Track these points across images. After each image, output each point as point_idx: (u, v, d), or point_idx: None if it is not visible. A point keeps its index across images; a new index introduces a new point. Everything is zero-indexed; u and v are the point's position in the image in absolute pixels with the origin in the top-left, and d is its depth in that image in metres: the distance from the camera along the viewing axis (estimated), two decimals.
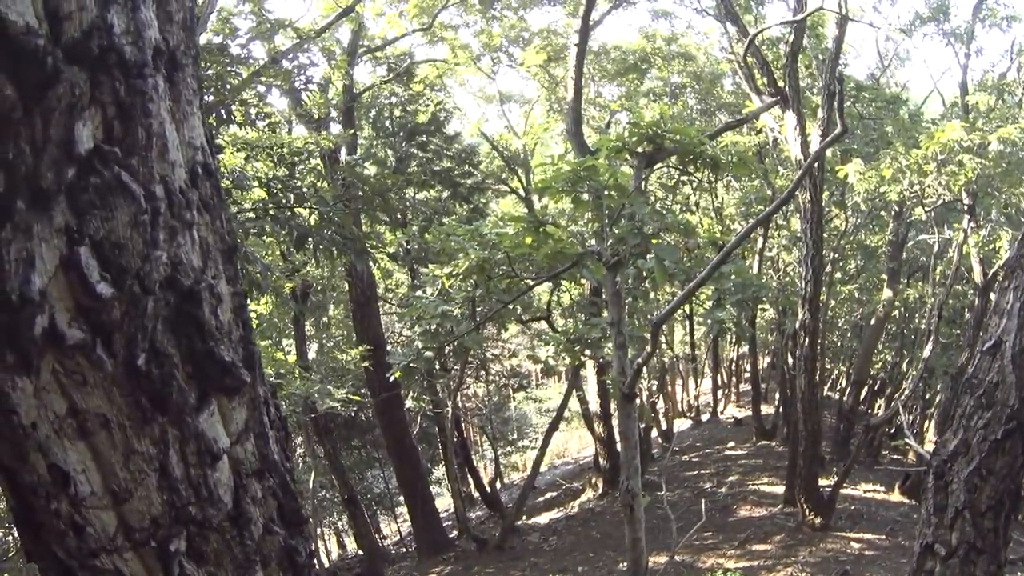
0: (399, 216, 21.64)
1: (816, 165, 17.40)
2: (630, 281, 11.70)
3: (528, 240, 8.21)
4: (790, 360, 22.43)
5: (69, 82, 1.22)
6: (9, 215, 1.12)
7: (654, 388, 29.10)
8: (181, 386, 1.34)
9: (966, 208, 20.98)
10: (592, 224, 9.17)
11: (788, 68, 18.44)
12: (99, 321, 1.21)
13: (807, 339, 18.16)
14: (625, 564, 17.32)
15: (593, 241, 7.92)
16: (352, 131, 22.98)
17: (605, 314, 16.49)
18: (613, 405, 25.05)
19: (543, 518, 24.81)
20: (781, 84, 18.48)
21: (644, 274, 10.05)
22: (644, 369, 29.09)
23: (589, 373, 23.74)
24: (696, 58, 29.19)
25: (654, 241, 7.51)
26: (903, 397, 23.69)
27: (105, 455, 1.26)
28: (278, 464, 1.58)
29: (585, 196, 7.81)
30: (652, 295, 9.39)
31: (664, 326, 29.60)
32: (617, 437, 25.61)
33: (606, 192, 7.69)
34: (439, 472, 32.10)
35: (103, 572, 1.30)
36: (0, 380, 1.16)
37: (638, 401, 8.12)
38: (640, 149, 8.09)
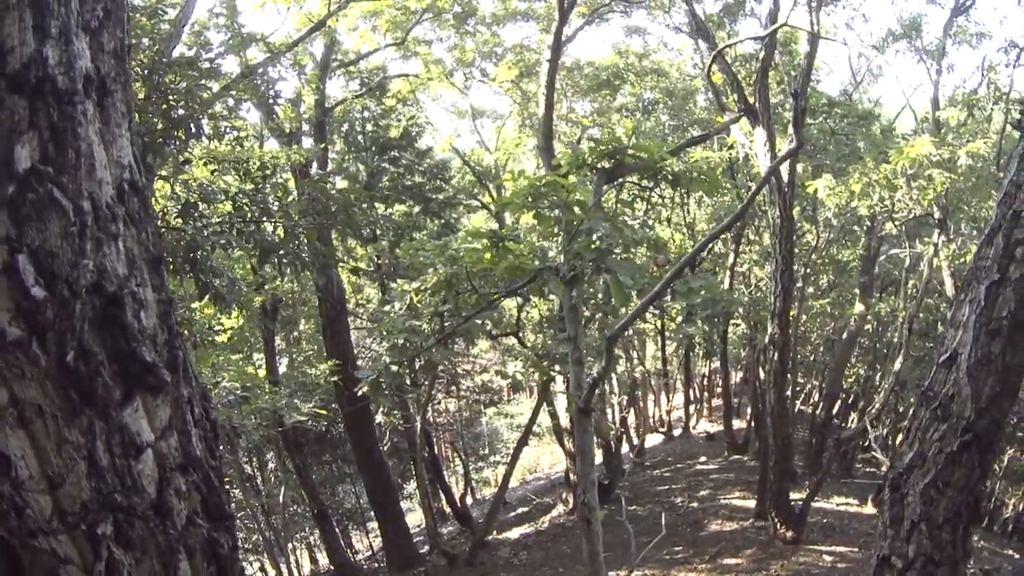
0: (369, 231, 21.65)
1: (787, 180, 17.47)
2: (599, 296, 11.74)
3: (487, 256, 8.25)
4: (761, 375, 22.53)
5: (10, 109, 1.34)
6: None
7: (624, 403, 29.19)
8: (106, 382, 1.45)
9: (937, 222, 21.13)
10: (557, 239, 9.22)
11: (758, 84, 18.50)
12: (35, 321, 1.33)
13: (777, 353, 18.22)
14: None
15: (560, 257, 7.95)
16: (323, 145, 23.06)
17: None
18: None
19: (514, 533, 24.85)
20: (751, 100, 18.55)
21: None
22: (614, 383, 29.01)
23: (559, 388, 23.81)
24: (669, 74, 29.43)
25: (610, 257, 7.54)
26: (874, 410, 23.82)
27: (41, 442, 1.37)
28: (202, 461, 1.67)
29: (550, 212, 7.85)
30: (622, 310, 9.44)
31: (636, 341, 29.69)
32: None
33: (567, 208, 7.73)
34: (411, 487, 32.14)
35: (41, 552, 1.40)
36: None
37: (595, 416, 8.16)
38: (601, 165, 8.16)
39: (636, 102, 29.72)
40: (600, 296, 11.65)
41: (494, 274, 9.49)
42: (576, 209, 7.80)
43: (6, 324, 1.31)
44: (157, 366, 1.55)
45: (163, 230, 9.00)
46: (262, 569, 27.38)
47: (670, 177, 8.64)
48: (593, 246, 7.49)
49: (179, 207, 10.08)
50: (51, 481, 1.41)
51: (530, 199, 7.79)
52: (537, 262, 8.52)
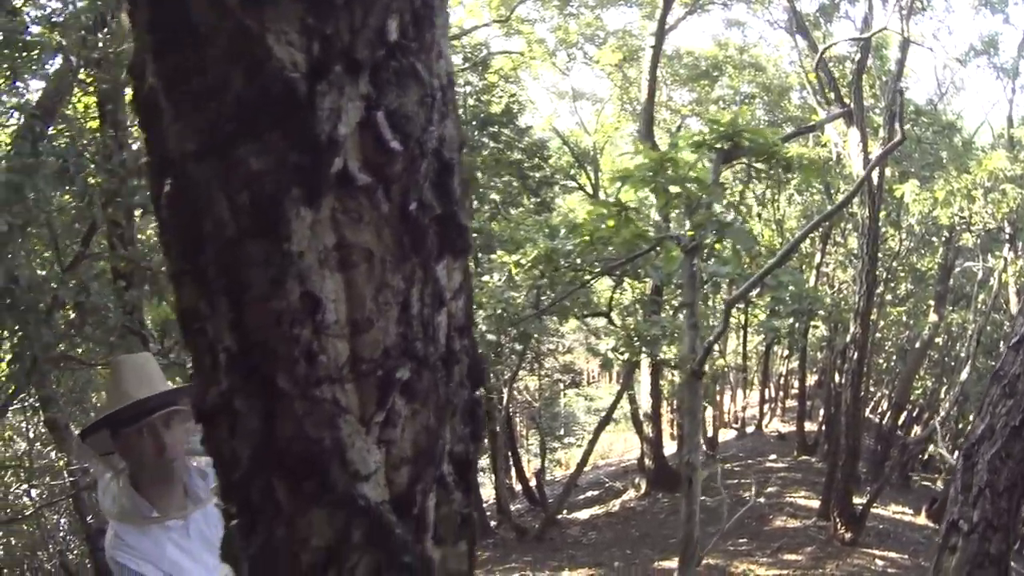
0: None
1: (875, 183, 17.60)
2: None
3: (610, 223, 8.56)
4: (837, 377, 22.56)
5: None
6: (326, 74, 1.37)
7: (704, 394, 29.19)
8: (432, 236, 1.57)
9: (1008, 237, 21.08)
10: (670, 211, 9.49)
11: (854, 85, 18.66)
12: (384, 171, 1.45)
13: (856, 353, 18.34)
14: (660, 563, 17.67)
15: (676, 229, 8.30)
16: None
17: (666, 313, 16.70)
18: (664, 406, 25.27)
19: (583, 513, 24.96)
20: (847, 100, 18.68)
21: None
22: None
23: (643, 374, 23.91)
24: (766, 69, 29.33)
25: (730, 228, 7.88)
26: (938, 420, 23.74)
27: (359, 287, 1.47)
28: (470, 327, 1.75)
29: (673, 188, 8.19)
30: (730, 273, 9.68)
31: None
32: (664, 439, 25.75)
33: (687, 183, 8.07)
34: (483, 461, 32.19)
35: (320, 402, 1.48)
36: (291, 209, 1.40)
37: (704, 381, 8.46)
38: (719, 145, 8.46)
39: (733, 95, 29.67)
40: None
41: (608, 246, 9.74)
42: (692, 185, 8.14)
43: (356, 171, 1.42)
44: (467, 230, 1.65)
45: None
46: None
47: (783, 161, 8.90)
48: (714, 218, 7.83)
49: None
50: (356, 326, 1.49)
51: (650, 173, 8.13)
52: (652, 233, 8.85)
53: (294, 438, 1.52)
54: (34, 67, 10.49)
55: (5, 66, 10.57)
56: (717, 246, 8.61)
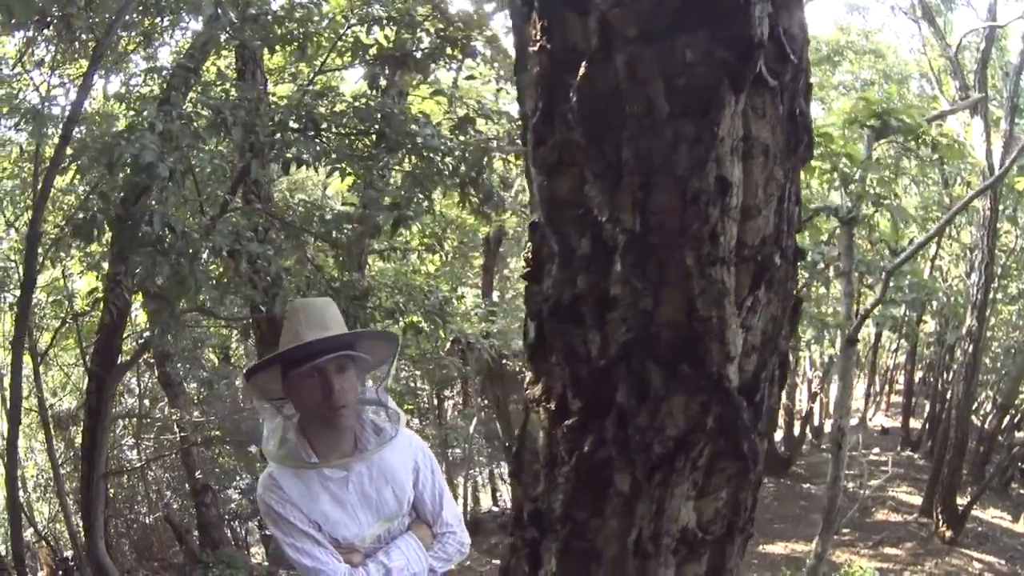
0: None
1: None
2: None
3: None
4: (945, 373, 22.29)
5: None
6: None
7: (817, 382, 28.97)
8: (805, 139, 1.71)
9: None
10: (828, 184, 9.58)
11: (979, 75, 18.43)
12: (780, 78, 1.61)
13: (971, 346, 18.12)
14: (765, 547, 17.68)
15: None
16: None
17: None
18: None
19: None
20: (971, 91, 18.47)
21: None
22: (808, 360, 28.50)
23: None
24: (886, 56, 29.01)
25: (887, 201, 7.98)
26: None
27: (754, 177, 1.59)
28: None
29: (822, 163, 8.30)
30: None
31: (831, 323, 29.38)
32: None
33: (841, 157, 8.17)
34: None
35: (713, 283, 1.58)
36: (722, 96, 1.52)
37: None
38: (871, 123, 8.49)
39: (853, 80, 29.39)
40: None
41: None
42: (845, 159, 8.20)
43: (766, 73, 1.57)
44: (814, 143, 1.78)
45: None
46: None
47: (931, 141, 8.94)
48: (872, 191, 7.90)
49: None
50: (746, 213, 1.61)
51: None
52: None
53: (678, 319, 1.61)
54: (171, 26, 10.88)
55: (135, 34, 10.94)
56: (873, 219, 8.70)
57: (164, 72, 10.35)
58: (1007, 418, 27.88)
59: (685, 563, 1.80)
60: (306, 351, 3.63)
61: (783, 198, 1.67)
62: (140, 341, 12.33)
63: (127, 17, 9.47)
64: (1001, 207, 21.03)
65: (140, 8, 9.74)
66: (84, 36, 9.99)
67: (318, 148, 8.93)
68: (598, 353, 1.69)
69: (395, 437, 3.84)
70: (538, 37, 1.69)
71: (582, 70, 1.59)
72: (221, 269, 9.75)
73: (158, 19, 10.48)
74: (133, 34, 11.05)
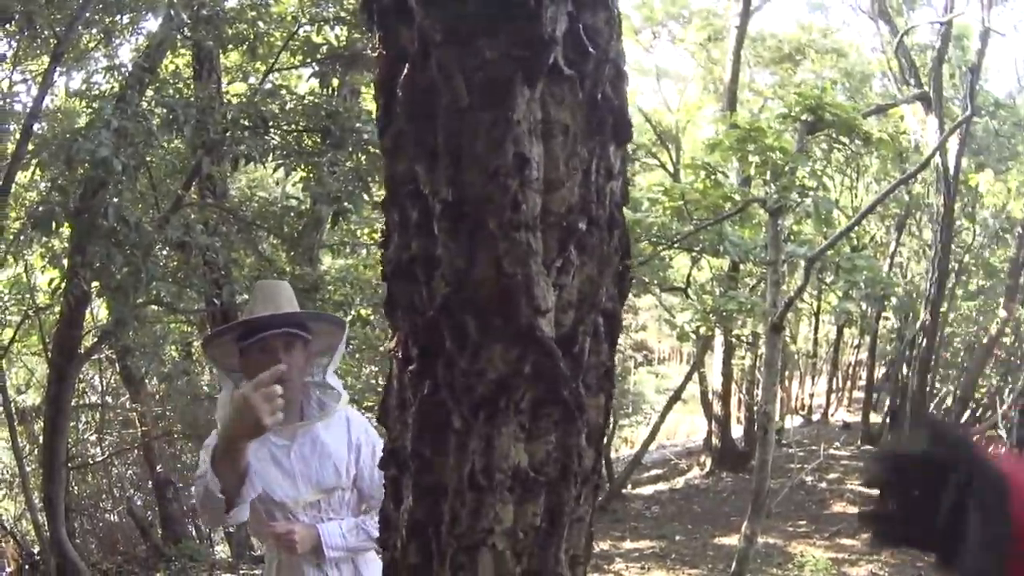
0: None
1: (951, 171, 17.69)
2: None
3: (702, 185, 8.94)
4: (905, 368, 22.56)
5: None
6: None
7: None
8: (609, 122, 1.94)
9: None
10: (758, 176, 9.82)
11: (934, 72, 18.69)
12: (580, 68, 1.85)
13: (925, 340, 18.40)
14: (720, 539, 17.88)
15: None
16: None
17: (742, 289, 16.84)
18: (733, 389, 25.33)
19: (647, 489, 25.11)
20: (926, 87, 18.74)
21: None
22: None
23: (716, 354, 24.02)
24: (848, 54, 29.26)
25: (813, 192, 8.25)
26: (1002, 410, 23.59)
27: (555, 154, 1.84)
28: (624, 204, 2.10)
29: (755, 156, 8.55)
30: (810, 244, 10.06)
31: (792, 318, 29.62)
32: (731, 422, 25.77)
33: (772, 151, 8.42)
34: None
35: (517, 244, 1.81)
36: (517, 87, 1.78)
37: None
38: (804, 117, 8.76)
39: (815, 79, 29.56)
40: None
41: (695, 211, 10.02)
42: (778, 153, 8.46)
43: (564, 66, 1.80)
44: (631, 125, 2.00)
45: None
46: None
47: (863, 134, 9.20)
48: (799, 183, 8.16)
49: None
50: (550, 185, 1.83)
51: (737, 143, 8.48)
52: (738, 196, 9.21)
53: (490, 276, 1.87)
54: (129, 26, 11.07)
55: (96, 31, 11.13)
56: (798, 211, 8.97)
57: (124, 70, 10.54)
58: (967, 412, 28.22)
59: (523, 502, 1.99)
60: (254, 325, 3.92)
61: (588, 172, 1.91)
62: (98, 333, 12.47)
63: (88, 15, 9.70)
64: (958, 205, 21.35)
65: (101, 6, 9.93)
66: (46, 33, 10.16)
67: (266, 145, 9.16)
68: (426, 306, 1.94)
69: (335, 412, 4.12)
70: (378, 45, 1.97)
71: (406, 70, 1.87)
72: (176, 263, 9.97)
73: (118, 17, 10.67)
74: (95, 31, 11.22)
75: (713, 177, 8.93)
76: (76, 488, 15.53)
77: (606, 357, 2.15)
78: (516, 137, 1.80)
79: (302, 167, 9.69)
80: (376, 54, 2.00)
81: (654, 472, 28.22)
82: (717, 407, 24.57)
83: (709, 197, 9.05)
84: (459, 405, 1.94)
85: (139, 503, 17.03)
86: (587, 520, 2.21)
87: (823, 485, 22.75)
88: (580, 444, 2.07)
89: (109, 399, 16.99)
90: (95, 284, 9.50)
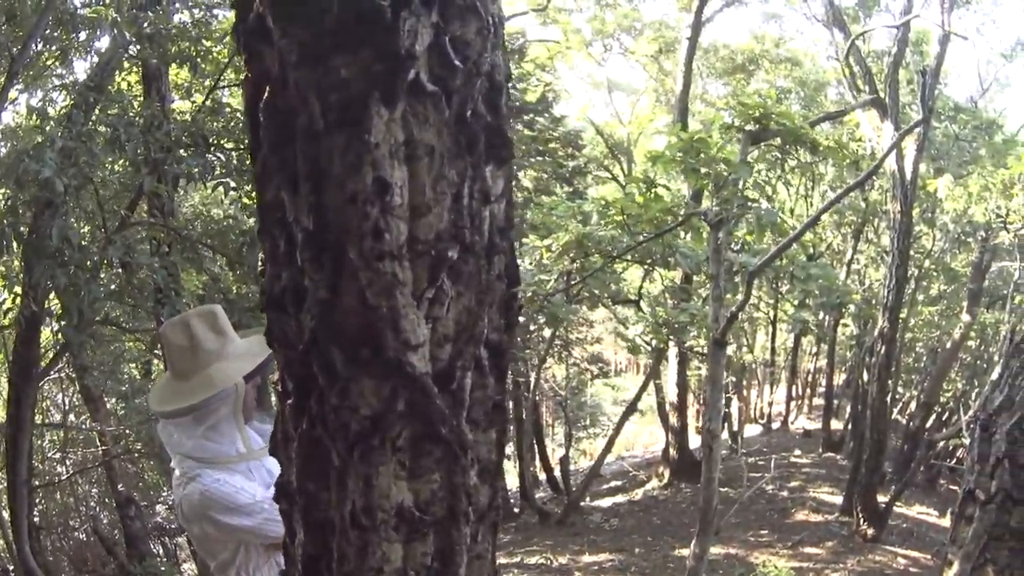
0: None
1: (910, 177, 17.71)
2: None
3: (640, 199, 8.89)
4: (865, 375, 22.58)
5: None
6: (407, 4, 1.68)
7: (731, 388, 29.16)
8: (482, 141, 1.84)
9: None
10: (702, 189, 9.79)
11: (889, 78, 18.66)
12: (447, 84, 1.74)
13: (884, 347, 18.39)
14: (680, 551, 17.83)
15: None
16: None
17: (695, 301, 16.85)
18: (690, 398, 25.32)
19: (606, 501, 25.09)
20: (881, 93, 18.74)
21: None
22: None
23: (671, 365, 24.03)
24: (802, 64, 29.39)
25: (755, 204, 8.20)
26: (967, 416, 23.63)
27: (420, 177, 1.75)
28: (509, 229, 2.01)
29: (699, 166, 8.49)
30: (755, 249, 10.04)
31: (748, 327, 29.66)
32: (690, 432, 25.76)
33: (715, 162, 8.37)
34: (508, 448, 32.18)
35: (381, 274, 1.73)
36: (372, 108, 1.70)
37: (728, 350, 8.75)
38: (748, 127, 8.72)
39: (769, 89, 29.65)
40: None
41: (637, 224, 9.99)
42: (722, 164, 8.41)
43: (427, 81, 1.71)
44: (510, 143, 1.91)
45: None
46: None
47: (808, 143, 9.16)
48: (740, 194, 8.12)
49: None
50: (416, 211, 1.75)
51: (680, 154, 8.43)
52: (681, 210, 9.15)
53: (355, 308, 1.80)
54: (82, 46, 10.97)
55: (55, 48, 11.04)
56: (739, 223, 8.92)
57: (76, 87, 10.50)
58: (932, 417, 28.29)
59: (410, 541, 1.94)
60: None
61: (459, 196, 1.83)
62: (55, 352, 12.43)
63: (46, 31, 9.62)
64: (916, 210, 21.38)
65: (59, 25, 9.86)
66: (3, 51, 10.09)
67: (207, 164, 9.12)
68: (296, 339, 1.88)
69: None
70: (245, 68, 1.89)
71: (266, 93, 1.79)
72: (120, 283, 9.93)
73: (74, 35, 10.60)
74: (53, 48, 11.15)
75: (654, 191, 8.87)
76: (45, 506, 15.49)
77: (493, 391, 2.08)
78: (375, 160, 1.72)
79: (244, 185, 9.63)
80: (243, 76, 1.93)
81: (613, 484, 28.22)
82: (673, 418, 24.57)
83: (650, 211, 9.01)
84: (334, 442, 1.89)
85: (105, 522, 16.97)
86: (488, 557, 2.16)
87: (784, 494, 22.76)
88: (467, 483, 2.00)
89: (72, 418, 16.91)
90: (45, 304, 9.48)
